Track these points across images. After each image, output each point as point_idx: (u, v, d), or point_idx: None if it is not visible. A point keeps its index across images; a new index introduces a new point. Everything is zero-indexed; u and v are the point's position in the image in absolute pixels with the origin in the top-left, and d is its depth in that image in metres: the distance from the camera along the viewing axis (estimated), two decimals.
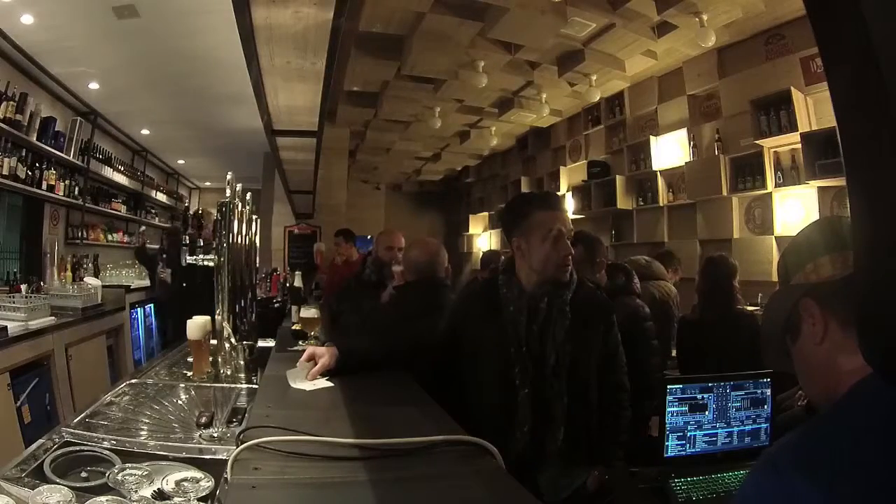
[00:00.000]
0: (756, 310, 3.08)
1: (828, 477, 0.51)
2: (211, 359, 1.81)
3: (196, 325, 1.76)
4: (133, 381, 1.73)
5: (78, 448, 1.14)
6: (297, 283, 3.56)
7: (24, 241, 4.47)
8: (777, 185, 4.04)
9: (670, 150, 5.08)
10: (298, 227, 7.55)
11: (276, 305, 3.33)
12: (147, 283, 5.08)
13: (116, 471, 1.03)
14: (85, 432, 1.23)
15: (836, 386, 0.60)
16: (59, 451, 1.12)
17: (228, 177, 1.94)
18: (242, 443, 0.90)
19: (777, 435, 1.50)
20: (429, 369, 1.53)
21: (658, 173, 5.19)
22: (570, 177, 6.62)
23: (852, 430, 0.54)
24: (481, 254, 5.30)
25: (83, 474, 1.06)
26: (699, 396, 1.55)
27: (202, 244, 3.32)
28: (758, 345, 0.83)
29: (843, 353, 0.62)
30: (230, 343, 1.80)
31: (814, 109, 3.78)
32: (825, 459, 0.53)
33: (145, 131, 6.36)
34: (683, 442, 1.54)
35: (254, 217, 2.39)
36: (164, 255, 4.77)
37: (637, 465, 1.53)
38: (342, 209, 7.16)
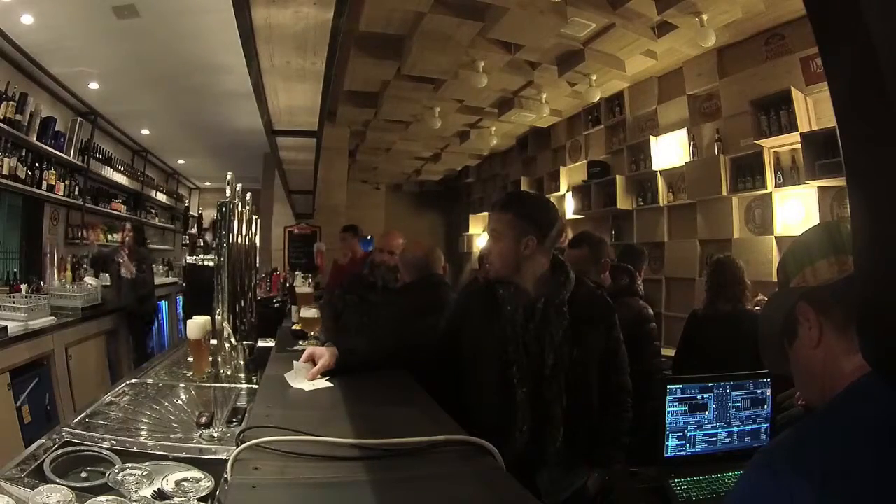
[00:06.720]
0: (758, 310, 3.08)
1: (821, 475, 0.51)
2: (211, 359, 1.81)
3: (196, 325, 1.76)
4: (133, 381, 1.73)
5: (78, 448, 1.14)
6: (298, 283, 3.57)
7: (24, 241, 4.46)
8: (777, 185, 4.03)
9: (670, 150, 5.07)
10: (298, 227, 7.54)
11: (276, 305, 3.33)
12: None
13: (116, 471, 1.03)
14: (85, 432, 1.23)
15: (832, 389, 0.61)
16: (59, 451, 1.12)
17: (228, 177, 1.94)
18: (242, 443, 0.90)
19: (777, 435, 1.51)
20: (429, 369, 1.53)
21: (658, 173, 5.18)
22: (570, 177, 6.61)
23: (846, 429, 0.54)
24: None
25: (83, 474, 1.06)
26: (699, 396, 1.55)
27: (202, 244, 3.32)
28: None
29: (838, 356, 0.63)
30: (230, 343, 1.80)
31: (814, 109, 3.77)
32: (819, 458, 0.53)
33: (145, 131, 6.36)
34: (683, 442, 1.54)
35: (254, 217, 2.39)
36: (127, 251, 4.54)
37: (637, 465, 1.53)
38: (342, 209, 7.16)
